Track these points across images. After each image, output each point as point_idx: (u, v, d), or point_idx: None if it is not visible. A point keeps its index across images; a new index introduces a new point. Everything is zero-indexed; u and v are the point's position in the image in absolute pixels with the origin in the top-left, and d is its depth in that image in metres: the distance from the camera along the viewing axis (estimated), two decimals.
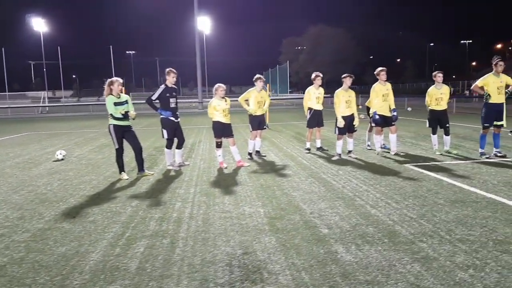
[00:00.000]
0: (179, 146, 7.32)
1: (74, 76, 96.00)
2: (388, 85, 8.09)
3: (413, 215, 4.35)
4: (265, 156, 8.41)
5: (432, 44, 75.93)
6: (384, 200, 4.94)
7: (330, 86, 68.59)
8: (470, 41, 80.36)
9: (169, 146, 7.17)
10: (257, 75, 8.18)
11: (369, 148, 9.01)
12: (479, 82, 7.47)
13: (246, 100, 8.23)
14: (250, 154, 8.20)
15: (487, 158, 7.45)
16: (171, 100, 7.05)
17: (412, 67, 70.48)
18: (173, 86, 7.20)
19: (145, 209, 4.78)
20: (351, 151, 8.16)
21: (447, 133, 8.13)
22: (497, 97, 7.32)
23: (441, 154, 8.01)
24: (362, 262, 3.21)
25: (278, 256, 3.35)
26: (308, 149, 8.83)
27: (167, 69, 7.15)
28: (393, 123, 8.11)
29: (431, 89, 8.11)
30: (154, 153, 9.16)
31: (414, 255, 3.33)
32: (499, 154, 7.57)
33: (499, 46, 70.52)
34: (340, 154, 8.05)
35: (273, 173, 6.72)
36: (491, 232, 3.77)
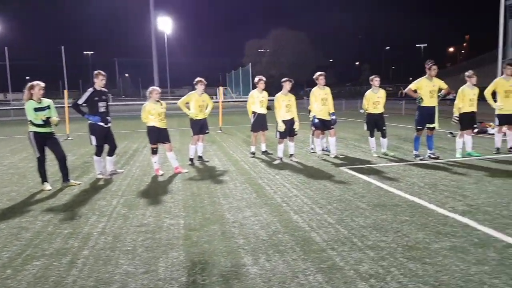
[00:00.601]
0: (110, 153, 6.99)
1: (28, 77, 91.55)
2: (327, 90, 8.15)
3: (333, 220, 4.33)
4: (207, 161, 8.22)
5: (388, 48, 78.93)
6: (309, 205, 4.90)
7: (293, 88, 69.44)
8: (426, 44, 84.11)
9: (98, 153, 6.83)
10: (198, 78, 8.00)
11: (313, 151, 9.05)
12: (412, 86, 7.67)
13: (187, 103, 8.02)
14: (191, 160, 7.99)
15: (421, 160, 7.65)
16: (100, 104, 6.72)
17: (368, 70, 72.79)
18: (103, 89, 6.87)
19: (56, 224, 4.46)
20: (292, 154, 8.14)
21: (383, 136, 8.30)
22: (429, 101, 7.54)
23: (378, 157, 8.17)
24: (266, 275, 3.11)
25: (181, 274, 3.18)
26: (253, 153, 8.74)
27: (95, 72, 6.82)
28: (332, 126, 8.18)
29: (368, 93, 8.25)
30: (90, 160, 8.73)
31: (320, 264, 3.27)
32: (432, 156, 7.81)
33: (451, 49, 74.18)
34: (281, 158, 8.02)
35: (209, 179, 6.55)
36: (403, 238, 3.80)
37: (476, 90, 7.81)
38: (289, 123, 7.88)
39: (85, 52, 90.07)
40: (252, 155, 8.67)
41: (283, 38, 65.94)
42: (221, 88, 16.38)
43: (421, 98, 7.56)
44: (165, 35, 57.73)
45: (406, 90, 7.83)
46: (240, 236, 3.94)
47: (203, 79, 7.96)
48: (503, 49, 15.11)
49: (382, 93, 8.22)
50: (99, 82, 6.78)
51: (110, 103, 7.66)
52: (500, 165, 7.04)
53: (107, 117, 6.86)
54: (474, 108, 7.80)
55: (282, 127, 7.77)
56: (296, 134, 8.11)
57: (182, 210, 4.89)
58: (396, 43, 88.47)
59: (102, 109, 6.75)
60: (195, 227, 4.25)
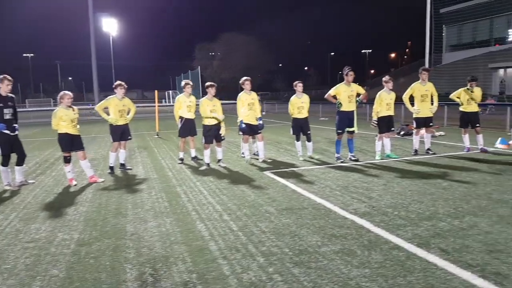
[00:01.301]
0: (19, 163, 6.53)
1: None
2: (254, 94, 8.18)
3: (236, 227, 4.29)
4: (130, 169, 7.93)
5: (333, 53, 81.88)
6: (219, 212, 4.84)
7: (218, 93, 69.86)
8: (370, 50, 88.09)
9: (5, 163, 6.35)
10: (118, 82, 7.72)
11: (243, 156, 9.04)
12: (331, 92, 7.90)
13: (106, 108, 7.69)
14: (111, 168, 7.66)
15: (342, 162, 7.89)
16: (6, 111, 6.26)
17: (315, 75, 75.15)
18: (9, 94, 6.40)
19: None
20: (220, 160, 8.07)
21: (309, 140, 8.47)
22: (348, 105, 7.81)
23: (304, 160, 8.32)
24: None
25: None
26: (181, 160, 8.56)
27: (1, 76, 6.35)
28: (259, 131, 8.22)
29: (293, 99, 8.39)
30: None
31: (206, 275, 3.20)
32: (353, 158, 8.08)
33: (393, 55, 78.37)
34: (208, 164, 7.93)
35: (124, 189, 6.30)
36: (297, 242, 3.83)
37: (392, 95, 8.19)
38: (215, 128, 7.81)
39: (24, 55, 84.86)
40: (180, 162, 8.49)
41: (234, 42, 66.14)
42: (156, 92, 15.97)
43: (340, 103, 7.81)
44: (111, 37, 55.65)
45: (325, 96, 8.06)
46: (133, 250, 3.78)
47: (123, 83, 7.68)
48: (429, 58, 16.02)
49: (305, 98, 8.39)
50: (4, 87, 6.31)
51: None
52: (413, 166, 7.42)
53: (14, 125, 6.40)
54: (391, 112, 8.18)
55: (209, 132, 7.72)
56: (223, 139, 8.05)
57: (82, 223, 4.63)
58: (342, 49, 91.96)
59: (7, 116, 6.29)
60: (88, 241, 4.03)
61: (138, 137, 14.53)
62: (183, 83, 8.45)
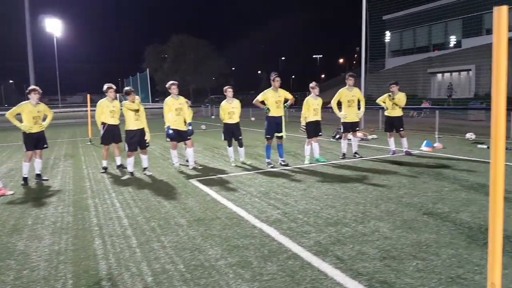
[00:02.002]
0: None
1: None
2: (181, 99, 7.96)
3: (136, 243, 4.05)
4: (46, 179, 7.39)
5: (283, 58, 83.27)
6: (124, 227, 4.57)
7: (195, 95, 68.96)
8: (321, 55, 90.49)
9: None
10: (32, 87, 7.19)
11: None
12: (259, 97, 7.86)
13: (18, 114, 7.12)
14: (24, 179, 7.08)
15: (272, 167, 7.86)
16: None
17: (266, 79, 75.72)
18: None
19: None
20: (146, 168, 7.75)
21: (240, 145, 8.37)
22: (275, 111, 7.80)
23: (236, 166, 8.21)
24: None
25: None
26: (105, 169, 8.13)
27: None
28: (188, 137, 8.01)
29: (224, 104, 8.26)
30: None
31: None
32: (283, 163, 8.08)
33: (341, 60, 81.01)
34: (132, 173, 7.58)
35: (32, 202, 5.83)
36: (197, 256, 3.66)
37: (319, 100, 8.30)
38: (139, 134, 7.49)
39: None
40: (103, 171, 8.06)
41: (185, 44, 65.08)
42: (88, 96, 15.22)
43: (268, 109, 7.79)
44: (55, 38, 52.86)
45: (254, 101, 8.01)
46: (13, 272, 3.43)
47: (37, 88, 7.16)
48: (365, 66, 16.58)
49: (236, 103, 8.29)
50: None
51: None
52: (338, 170, 7.53)
53: None
54: (318, 117, 8.28)
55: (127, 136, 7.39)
56: (148, 146, 7.74)
57: None
58: (294, 53, 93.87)
59: None
60: None
61: (69, 143, 13.79)
62: (105, 87, 8.02)
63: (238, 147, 8.41)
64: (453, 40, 35.69)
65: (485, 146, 9.50)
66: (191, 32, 69.93)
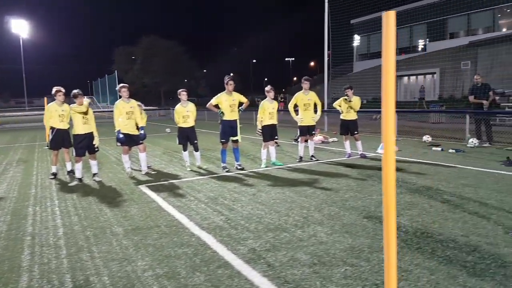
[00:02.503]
0: None
1: None
2: (133, 102, 7.73)
3: (66, 254, 3.86)
4: None
5: (254, 61, 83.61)
6: (58, 236, 4.36)
7: (166, 98, 67.93)
8: (293, 58, 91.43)
9: None
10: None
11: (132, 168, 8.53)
12: (213, 101, 7.77)
13: None
14: None
15: (227, 171, 7.78)
16: None
17: (238, 81, 75.55)
18: None
19: None
20: (95, 173, 7.49)
21: (196, 149, 8.25)
22: (230, 115, 7.73)
23: (191, 170, 8.07)
24: None
25: None
26: (54, 175, 7.81)
27: None
28: (140, 141, 7.81)
29: (178, 107, 8.11)
30: None
31: None
32: (239, 167, 8.01)
33: (312, 64, 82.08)
34: (80, 179, 7.31)
35: None
36: (124, 267, 3.52)
37: (275, 104, 8.29)
38: (88, 138, 7.24)
39: None
40: (53, 177, 7.75)
41: (155, 46, 64.22)
42: (45, 99, 14.70)
43: (222, 112, 7.71)
44: (21, 40, 50.93)
45: (207, 105, 7.91)
46: None
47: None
48: (328, 72, 16.79)
49: (191, 107, 8.16)
50: None
51: None
52: (291, 173, 7.53)
53: None
54: (274, 121, 8.25)
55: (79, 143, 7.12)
56: (97, 151, 7.49)
57: None
58: (268, 56, 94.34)
59: None
60: None
61: (26, 148, 13.24)
62: (54, 90, 7.71)
63: (194, 152, 8.28)
64: (418, 44, 36.78)
65: (439, 149, 9.77)
66: (161, 34, 69.09)
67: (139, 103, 8.13)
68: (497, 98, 11.50)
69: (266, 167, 8.15)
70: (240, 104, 7.96)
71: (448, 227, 4.22)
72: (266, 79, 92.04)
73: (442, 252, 3.58)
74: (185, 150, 8.24)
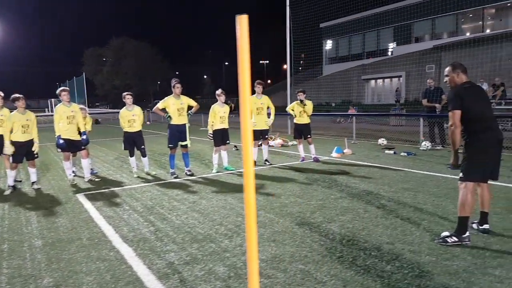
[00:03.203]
0: None
1: None
2: (74, 106, 7.37)
3: None
4: None
5: (227, 63, 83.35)
6: None
7: (138, 100, 66.61)
8: (268, 61, 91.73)
9: None
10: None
11: (74, 175, 8.16)
12: (159, 105, 7.53)
13: None
14: None
15: (176, 178, 7.55)
16: None
17: (209, 83, 75.18)
18: None
19: None
20: (34, 182, 7.11)
21: (143, 155, 7.97)
22: (178, 119, 7.51)
23: (138, 177, 7.79)
24: None
25: None
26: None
27: None
28: (83, 147, 7.47)
29: (123, 111, 7.82)
30: None
31: None
32: (188, 173, 7.80)
33: (285, 67, 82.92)
34: (13, 187, 6.92)
35: None
36: (28, 286, 3.27)
37: (226, 108, 8.13)
38: (27, 144, 6.86)
39: None
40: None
41: (125, 47, 62.98)
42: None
43: (170, 116, 7.49)
44: None
45: (154, 109, 7.68)
46: None
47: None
48: (290, 79, 16.83)
49: (137, 111, 7.89)
50: None
51: None
52: (241, 178, 7.37)
53: None
54: (225, 125, 8.09)
55: (9, 149, 6.71)
56: (36, 157, 7.11)
57: None
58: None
59: None
60: None
61: None
62: None
63: (141, 157, 8.01)
64: (385, 47, 37.54)
65: (391, 152, 9.86)
66: (132, 35, 67.87)
67: (82, 106, 7.80)
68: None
69: (217, 172, 7.98)
70: (190, 107, 7.77)
71: (376, 234, 4.17)
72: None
73: (363, 261, 3.51)
74: (131, 155, 7.96)
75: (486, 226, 4.11)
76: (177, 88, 7.46)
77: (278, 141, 12.24)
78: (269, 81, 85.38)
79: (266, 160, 8.80)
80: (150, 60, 63.39)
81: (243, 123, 1.76)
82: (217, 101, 8.09)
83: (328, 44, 41.61)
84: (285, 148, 11.70)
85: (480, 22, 31.59)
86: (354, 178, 6.98)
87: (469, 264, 3.39)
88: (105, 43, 65.76)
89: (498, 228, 4.23)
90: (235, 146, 11.86)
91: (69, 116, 7.25)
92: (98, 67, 64.90)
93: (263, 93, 8.65)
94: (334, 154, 9.71)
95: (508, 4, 29.31)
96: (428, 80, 11.33)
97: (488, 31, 30.00)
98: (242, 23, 1.71)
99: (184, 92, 7.66)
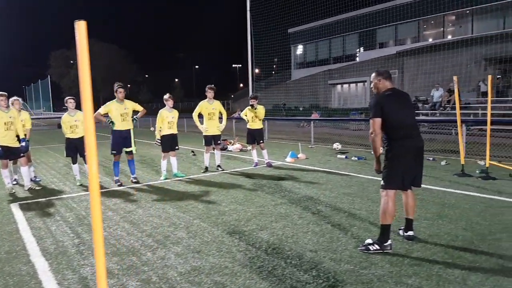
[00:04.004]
0: None
1: None
2: (13, 112, 7.07)
3: None
4: None
5: (197, 66, 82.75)
6: None
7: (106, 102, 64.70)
8: (240, 65, 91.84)
9: None
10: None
11: (15, 183, 7.80)
12: (101, 110, 7.29)
13: None
14: None
15: (119, 185, 7.33)
16: None
17: (180, 87, 74.33)
18: None
19: None
20: None
21: (86, 162, 7.70)
22: (121, 124, 7.30)
23: (81, 185, 7.52)
24: None
25: None
26: None
27: None
28: (22, 154, 7.14)
29: (65, 117, 7.54)
30: None
31: None
32: (134, 181, 7.59)
33: (257, 70, 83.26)
34: None
35: None
36: None
37: (175, 113, 7.99)
38: None
39: None
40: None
41: (93, 50, 61.42)
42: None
43: (112, 122, 7.27)
44: None
45: (94, 114, 7.44)
46: None
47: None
48: (252, 85, 16.85)
49: (80, 116, 7.62)
50: None
51: None
52: (188, 185, 7.23)
53: None
54: (173, 131, 7.95)
55: None
56: None
57: None
58: (214, 63, 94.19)
59: None
60: None
61: None
62: None
63: (85, 165, 7.74)
64: (350, 53, 38.29)
65: (343, 156, 9.98)
66: (100, 37, 66.27)
67: (16, 97, 7.58)
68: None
69: (166, 179, 7.81)
70: (135, 112, 7.58)
71: (303, 242, 4.15)
72: (212, 84, 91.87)
73: (281, 271, 3.46)
74: (74, 163, 7.67)
75: (410, 233, 4.16)
76: (119, 92, 7.25)
77: (237, 145, 12.18)
78: (241, 85, 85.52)
79: (218, 166, 8.70)
80: (118, 62, 62.09)
81: (87, 127, 1.72)
82: (164, 105, 7.95)
83: (297, 49, 42.05)
84: (243, 153, 11.64)
85: (441, 29, 32.76)
86: (299, 184, 6.99)
87: (385, 273, 3.40)
88: (73, 45, 64.03)
89: (424, 234, 4.30)
90: (192, 151, 11.72)
91: (6, 122, 6.91)
92: (66, 70, 63.00)
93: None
94: (288, 159, 9.73)
95: (467, 11, 30.55)
96: None
97: (449, 37, 31.13)
98: (80, 29, 1.69)
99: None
